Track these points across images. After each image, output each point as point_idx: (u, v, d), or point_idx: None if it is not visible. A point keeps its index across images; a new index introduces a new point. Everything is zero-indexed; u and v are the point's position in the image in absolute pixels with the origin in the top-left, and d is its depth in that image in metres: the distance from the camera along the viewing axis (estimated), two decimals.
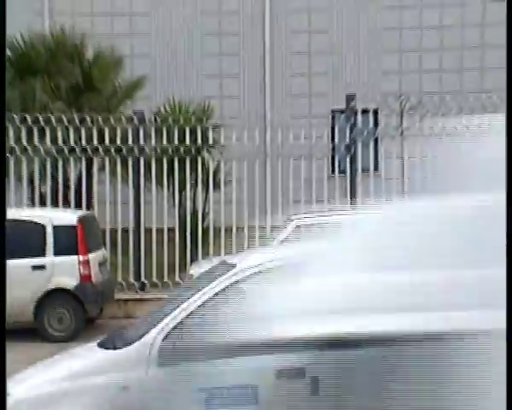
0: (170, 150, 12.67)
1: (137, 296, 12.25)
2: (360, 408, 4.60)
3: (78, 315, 10.69)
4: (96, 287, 10.84)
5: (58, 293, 10.65)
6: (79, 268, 10.66)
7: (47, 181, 13.03)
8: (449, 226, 4.30)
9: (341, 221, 10.28)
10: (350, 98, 12.61)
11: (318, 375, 4.69)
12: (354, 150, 12.52)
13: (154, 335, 4.79)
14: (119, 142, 12.60)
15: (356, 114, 12.63)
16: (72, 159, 12.95)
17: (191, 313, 4.85)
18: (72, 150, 12.68)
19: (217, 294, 4.89)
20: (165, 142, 12.65)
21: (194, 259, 12.49)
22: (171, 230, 12.82)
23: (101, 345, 5.17)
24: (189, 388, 4.70)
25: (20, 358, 7.73)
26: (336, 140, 12.95)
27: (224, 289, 4.91)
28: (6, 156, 12.05)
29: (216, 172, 13.50)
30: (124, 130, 12.71)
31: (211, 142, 13.08)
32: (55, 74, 14.89)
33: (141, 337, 4.85)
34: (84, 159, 12.95)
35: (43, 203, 13.15)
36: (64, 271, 10.65)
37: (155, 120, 13.60)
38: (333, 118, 16.46)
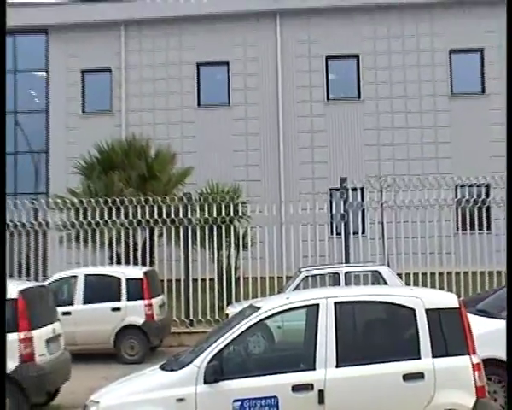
0: (210, 220, 12.64)
1: (188, 330, 12.13)
2: None
3: (144, 344, 10.64)
4: (157, 323, 10.83)
5: (130, 328, 10.62)
6: (145, 310, 10.67)
7: (121, 245, 13.11)
8: None
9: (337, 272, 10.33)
10: (343, 180, 12.60)
11: (323, 389, 4.73)
12: (347, 218, 12.44)
13: (201, 359, 4.87)
14: (173, 215, 12.69)
15: (348, 191, 12.60)
16: (139, 229, 13.06)
17: (228, 343, 4.92)
18: (139, 223, 12.77)
19: (247, 329, 4.96)
20: (206, 214, 12.69)
21: (229, 302, 12.30)
22: (211, 280, 12.78)
23: (162, 367, 5.25)
24: (228, 399, 4.74)
25: (104, 375, 7.79)
26: (333, 211, 12.91)
27: (251, 326, 4.98)
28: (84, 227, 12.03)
29: (244, 236, 13.43)
30: (176, 207, 12.78)
31: (240, 214, 13.08)
32: (128, 168, 15.30)
33: (191, 362, 4.93)
34: (147, 228, 13.06)
35: (118, 262, 13.24)
36: (134, 312, 10.64)
37: (199, 198, 13.65)
38: (331, 195, 16.65)
